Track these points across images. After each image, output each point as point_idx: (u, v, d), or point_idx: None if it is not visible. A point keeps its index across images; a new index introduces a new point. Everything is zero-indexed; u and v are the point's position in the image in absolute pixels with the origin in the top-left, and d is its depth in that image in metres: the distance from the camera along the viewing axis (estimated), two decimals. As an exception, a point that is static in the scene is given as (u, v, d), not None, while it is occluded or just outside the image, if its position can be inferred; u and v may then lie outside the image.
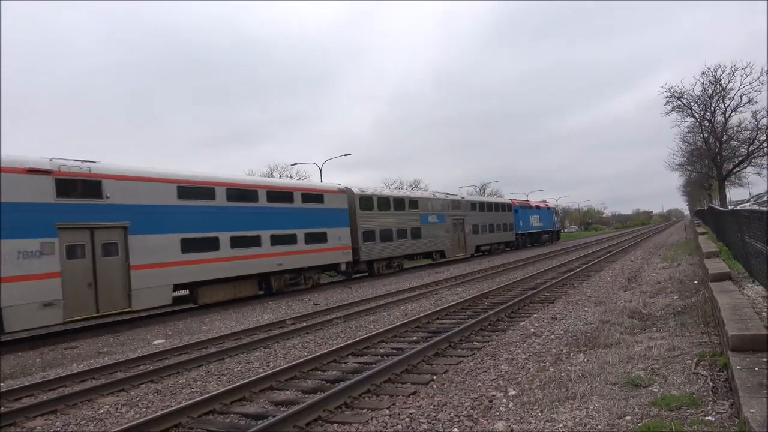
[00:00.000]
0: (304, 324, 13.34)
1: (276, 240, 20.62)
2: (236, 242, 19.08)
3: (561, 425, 5.14)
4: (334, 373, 8.36)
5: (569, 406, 5.65)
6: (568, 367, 7.25)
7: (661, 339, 8.21)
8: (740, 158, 43.94)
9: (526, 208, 50.33)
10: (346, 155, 49.49)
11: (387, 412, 6.19)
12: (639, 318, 10.17)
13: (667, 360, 6.92)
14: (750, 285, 9.49)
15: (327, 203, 23.57)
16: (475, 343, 9.71)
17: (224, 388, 7.39)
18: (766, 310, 7.18)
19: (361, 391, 6.95)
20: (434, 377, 7.53)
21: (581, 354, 8.00)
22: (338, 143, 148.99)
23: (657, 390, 5.77)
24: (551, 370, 7.29)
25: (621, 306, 11.60)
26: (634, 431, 4.73)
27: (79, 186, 14.74)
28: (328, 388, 7.33)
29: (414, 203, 30.95)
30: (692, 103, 43.06)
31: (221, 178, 19.37)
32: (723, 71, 40.70)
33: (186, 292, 18.49)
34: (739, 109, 41.33)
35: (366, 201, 26.53)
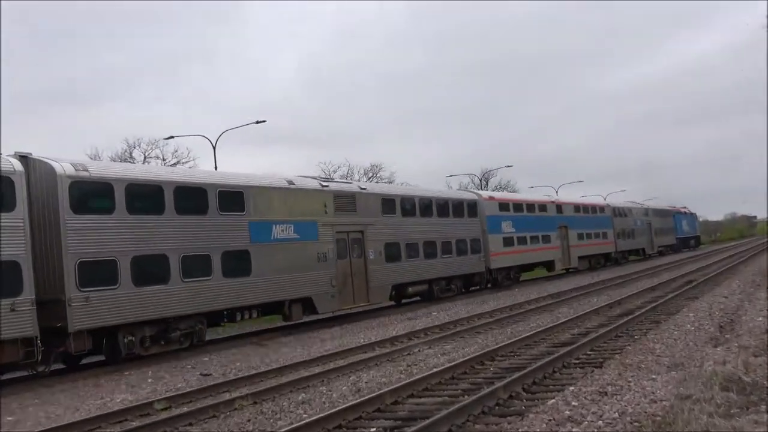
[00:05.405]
0: (185, 409, 8.72)
1: (596, 236, 41.50)
2: (580, 236, 38.60)
3: None
4: None
5: None
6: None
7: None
8: None
9: (681, 214, 71.26)
10: (258, 122, 34.02)
11: None
12: (738, 390, 7.73)
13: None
14: None
15: (607, 212, 44.62)
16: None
17: None
18: None
19: None
20: None
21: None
22: (244, 105, 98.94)
23: None
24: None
25: (709, 371, 8.73)
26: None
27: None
28: None
29: (629, 211, 53.43)
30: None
31: (565, 201, 40.49)
32: None
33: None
34: None
35: (618, 211, 47.34)
